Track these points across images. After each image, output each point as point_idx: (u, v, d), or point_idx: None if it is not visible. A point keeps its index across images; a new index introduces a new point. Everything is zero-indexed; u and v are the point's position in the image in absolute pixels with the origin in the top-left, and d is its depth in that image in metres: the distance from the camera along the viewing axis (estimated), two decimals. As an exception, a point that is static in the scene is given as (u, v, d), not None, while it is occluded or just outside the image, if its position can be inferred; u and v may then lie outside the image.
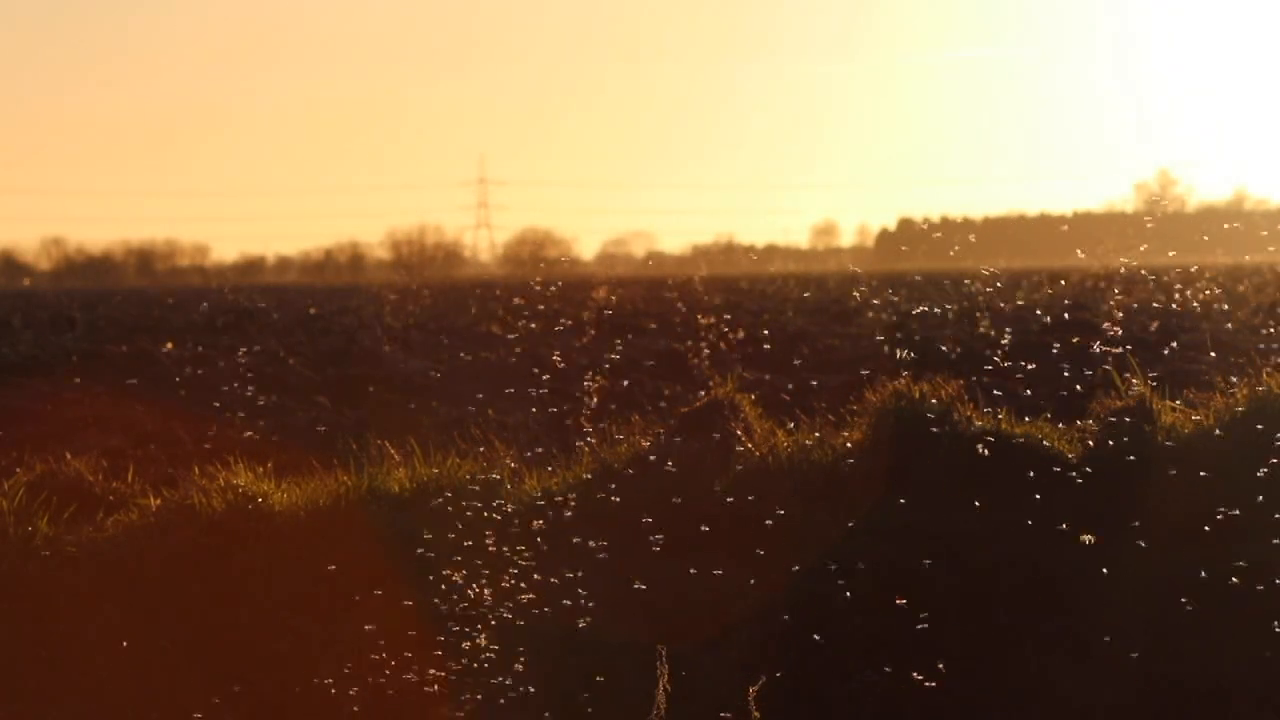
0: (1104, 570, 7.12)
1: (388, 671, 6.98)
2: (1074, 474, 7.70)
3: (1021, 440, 7.92)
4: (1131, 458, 7.62)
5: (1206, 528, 7.15)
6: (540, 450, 8.27)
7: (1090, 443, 7.87)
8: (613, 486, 7.71)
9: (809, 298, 49.63)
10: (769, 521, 7.45)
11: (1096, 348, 7.81)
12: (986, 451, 7.72)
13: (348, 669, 7.00)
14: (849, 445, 7.95)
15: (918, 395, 8.01)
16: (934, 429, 7.89)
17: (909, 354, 8.15)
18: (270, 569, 7.37)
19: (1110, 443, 7.75)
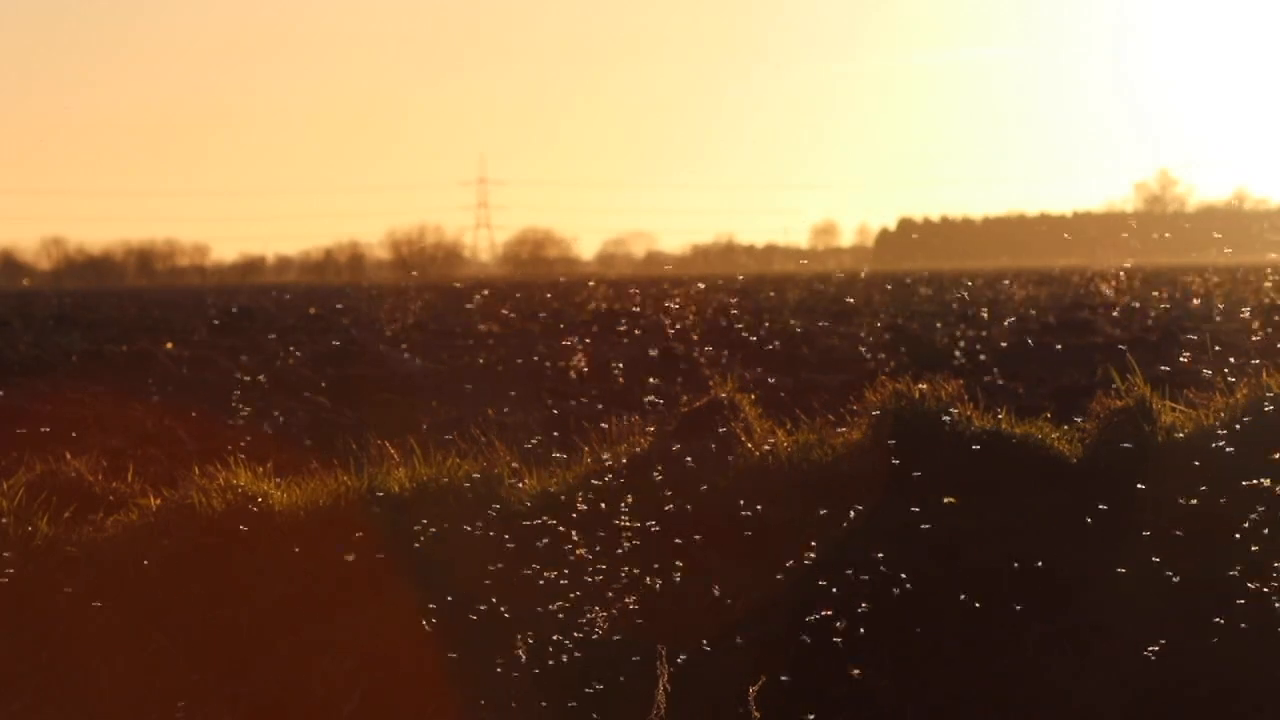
0: (1104, 570, 7.12)
1: (388, 671, 6.98)
2: (1074, 474, 7.69)
3: (1021, 440, 7.91)
4: (1131, 458, 7.61)
5: (1206, 528, 7.14)
6: (540, 450, 8.26)
7: (1090, 443, 7.86)
8: (612, 486, 7.71)
9: (808, 297, 49.62)
10: (769, 521, 7.45)
11: (1096, 347, 7.82)
12: (986, 452, 7.72)
13: (348, 669, 7.00)
14: (849, 445, 7.95)
15: (918, 395, 8.01)
16: (934, 429, 7.89)
17: (908, 353, 8.16)
18: (270, 569, 7.37)
19: (1110, 443, 7.74)
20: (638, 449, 8.05)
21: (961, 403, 8.06)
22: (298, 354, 25.32)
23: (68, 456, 8.46)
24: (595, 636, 7.04)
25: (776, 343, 24.18)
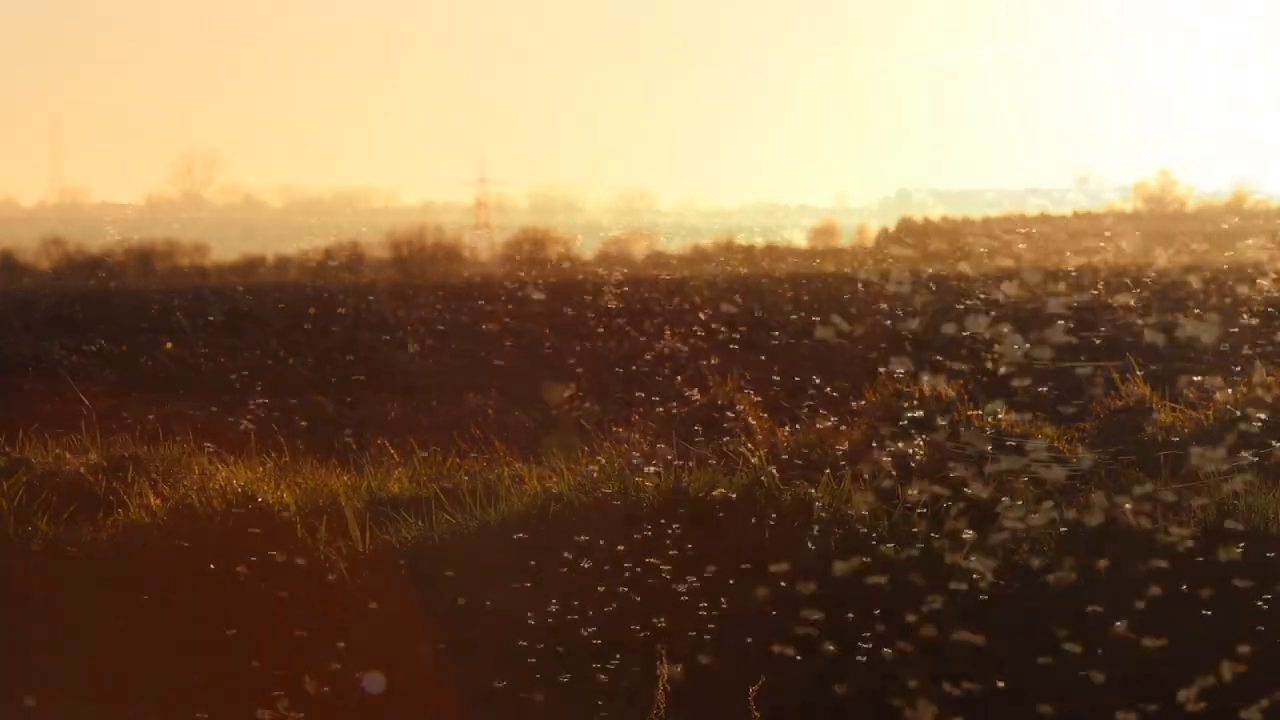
0: (1104, 571, 7.12)
1: (388, 672, 6.98)
2: (1074, 474, 7.70)
3: (1021, 440, 7.92)
4: (1131, 457, 7.62)
5: (1206, 528, 7.15)
6: (540, 450, 8.27)
7: (1090, 443, 7.87)
8: (612, 486, 7.72)
9: (808, 297, 49.56)
10: (768, 520, 7.45)
11: (1095, 348, 7.82)
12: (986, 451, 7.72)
13: (348, 669, 7.00)
14: (848, 445, 7.95)
15: (918, 395, 8.01)
16: (934, 429, 7.90)
17: (909, 353, 8.17)
18: (270, 569, 7.37)
19: (1110, 443, 7.75)
20: (638, 449, 8.06)
21: (961, 403, 8.08)
22: (298, 353, 25.32)
23: (68, 456, 8.47)
24: (595, 637, 7.04)
25: (776, 342, 24.18)
